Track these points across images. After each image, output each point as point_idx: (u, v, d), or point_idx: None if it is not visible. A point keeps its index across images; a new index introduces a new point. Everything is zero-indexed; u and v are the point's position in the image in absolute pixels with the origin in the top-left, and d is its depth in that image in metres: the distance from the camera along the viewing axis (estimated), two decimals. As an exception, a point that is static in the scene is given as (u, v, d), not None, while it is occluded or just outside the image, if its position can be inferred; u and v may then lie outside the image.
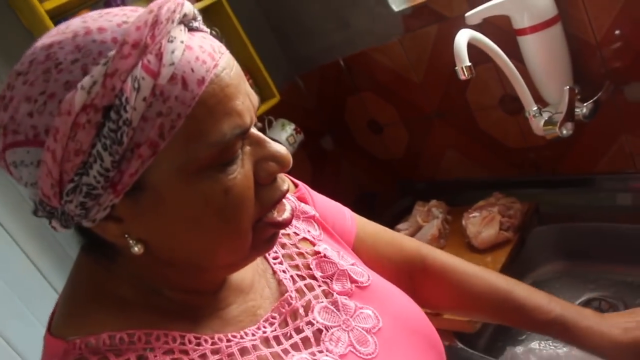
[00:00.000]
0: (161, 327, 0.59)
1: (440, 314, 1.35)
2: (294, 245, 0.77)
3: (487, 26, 1.32)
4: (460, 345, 1.33)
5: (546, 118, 1.33)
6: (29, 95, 0.50)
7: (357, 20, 1.81)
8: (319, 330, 0.67)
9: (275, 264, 0.74)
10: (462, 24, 1.29)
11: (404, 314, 0.77)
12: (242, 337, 0.62)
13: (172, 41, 0.51)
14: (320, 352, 0.65)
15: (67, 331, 0.57)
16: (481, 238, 1.51)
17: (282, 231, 0.76)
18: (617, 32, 1.29)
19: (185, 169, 0.53)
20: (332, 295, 0.72)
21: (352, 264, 0.78)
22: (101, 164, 0.50)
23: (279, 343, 0.64)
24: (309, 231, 0.80)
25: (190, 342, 0.59)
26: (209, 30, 0.59)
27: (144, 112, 0.50)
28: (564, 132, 1.31)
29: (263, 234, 0.61)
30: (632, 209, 1.45)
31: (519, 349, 1.36)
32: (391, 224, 1.85)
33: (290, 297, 0.69)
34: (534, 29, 1.28)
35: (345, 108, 2.10)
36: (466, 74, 1.17)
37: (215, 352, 0.60)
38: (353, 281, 0.76)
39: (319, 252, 0.77)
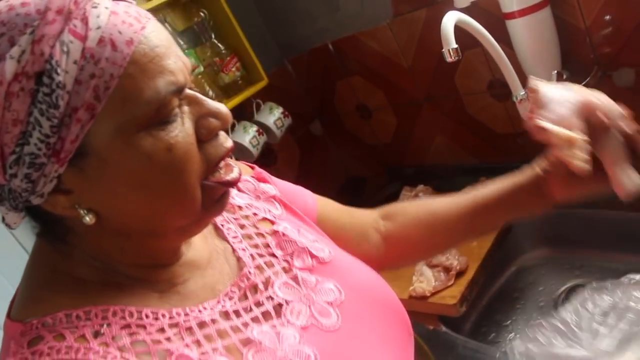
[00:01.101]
0: (118, 304, 0.59)
1: (425, 298, 1.35)
2: (253, 225, 0.77)
3: (475, 10, 1.31)
4: (444, 329, 1.33)
5: (533, 103, 1.33)
6: None
7: (347, 3, 1.80)
8: (279, 305, 0.68)
9: (234, 242, 0.74)
10: (451, 8, 1.28)
11: (367, 286, 0.77)
12: (200, 311, 0.63)
13: (96, 7, 0.52)
14: (282, 324, 0.66)
15: (24, 314, 0.57)
16: (467, 223, 1.51)
17: (241, 212, 0.78)
18: (606, 17, 1.28)
19: (125, 129, 0.53)
20: (293, 271, 0.73)
21: (314, 241, 0.79)
22: (40, 130, 0.50)
23: (238, 316, 0.65)
24: (269, 211, 0.80)
25: (147, 316, 0.59)
26: (133, 1, 0.58)
27: (77, 75, 0.50)
28: (551, 117, 1.30)
29: (213, 194, 0.61)
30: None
31: (504, 334, 1.37)
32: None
33: (250, 272, 0.70)
34: (523, 12, 1.27)
35: (334, 92, 2.09)
36: (452, 56, 1.16)
37: (173, 325, 0.60)
38: (314, 257, 0.76)
39: (277, 232, 0.77)
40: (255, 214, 0.79)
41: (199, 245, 0.70)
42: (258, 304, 0.67)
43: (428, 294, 1.36)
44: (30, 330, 0.55)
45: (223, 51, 1.82)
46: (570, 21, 1.33)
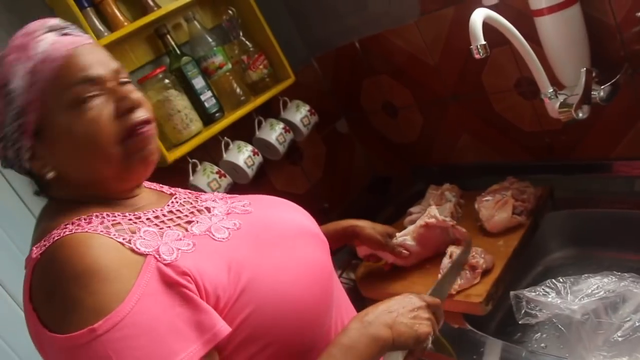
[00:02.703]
0: (98, 212, 0.88)
1: (451, 296, 1.35)
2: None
3: (503, 8, 1.31)
4: (469, 327, 1.33)
5: (562, 100, 1.32)
6: None
7: (374, 2, 1.80)
8: (208, 208, 1.01)
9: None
10: (479, 5, 1.27)
11: (276, 200, 1.14)
12: (154, 211, 0.94)
13: (40, 41, 0.85)
14: (213, 215, 0.98)
15: (55, 224, 0.86)
16: (493, 222, 1.51)
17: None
18: (638, 14, 1.26)
19: (60, 110, 0.85)
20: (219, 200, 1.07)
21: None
22: (9, 117, 0.86)
23: (181, 212, 0.96)
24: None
25: (118, 215, 0.89)
26: (83, 34, 0.91)
27: (25, 84, 0.84)
28: (580, 114, 1.29)
29: (132, 148, 0.89)
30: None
31: (530, 334, 1.36)
32: (404, 207, 1.85)
33: (188, 194, 1.06)
34: (552, 9, 1.26)
35: (360, 91, 2.10)
36: (481, 53, 1.16)
37: (137, 218, 0.90)
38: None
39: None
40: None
41: (149, 194, 1.03)
42: (194, 207, 1.00)
43: (454, 292, 1.36)
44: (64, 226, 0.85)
45: (251, 49, 1.84)
46: (600, 18, 1.32)
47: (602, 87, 1.30)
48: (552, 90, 1.33)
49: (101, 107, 0.86)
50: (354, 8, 1.87)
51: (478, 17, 1.17)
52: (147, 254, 0.81)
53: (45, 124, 0.86)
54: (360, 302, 1.59)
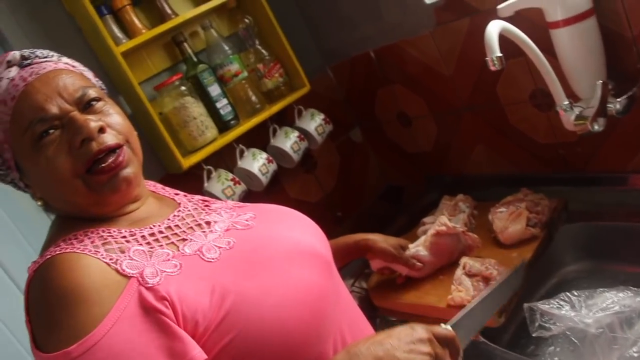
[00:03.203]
0: (93, 228, 0.90)
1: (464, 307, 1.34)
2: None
3: (519, 19, 1.31)
4: (482, 339, 1.32)
5: (578, 113, 1.32)
6: None
7: (390, 12, 1.81)
8: (208, 222, 1.00)
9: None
10: (494, 17, 1.27)
11: (281, 210, 1.11)
12: (151, 227, 0.93)
13: (0, 80, 0.88)
14: (210, 231, 0.97)
15: (41, 253, 0.90)
16: (507, 233, 1.50)
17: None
18: (654, 27, 1.26)
19: (25, 148, 0.87)
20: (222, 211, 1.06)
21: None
22: None
23: (178, 228, 0.96)
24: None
25: (113, 232, 0.90)
26: (48, 58, 0.93)
27: None
28: (596, 127, 1.29)
29: (97, 181, 0.89)
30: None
31: (543, 347, 1.35)
32: (417, 216, 1.85)
33: (188, 208, 1.04)
34: (567, 22, 1.26)
35: (375, 100, 2.10)
36: (496, 65, 1.16)
37: (131, 235, 0.90)
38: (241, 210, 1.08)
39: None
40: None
41: (152, 205, 1.02)
42: (195, 221, 0.99)
43: (466, 303, 1.35)
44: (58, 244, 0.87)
45: (267, 57, 1.85)
46: (617, 30, 1.31)
47: (618, 99, 1.30)
48: (567, 102, 1.33)
49: (56, 144, 0.87)
50: (369, 18, 1.88)
51: (494, 29, 1.17)
52: (131, 276, 0.82)
53: (19, 161, 0.90)
54: (372, 311, 1.59)
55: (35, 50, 0.94)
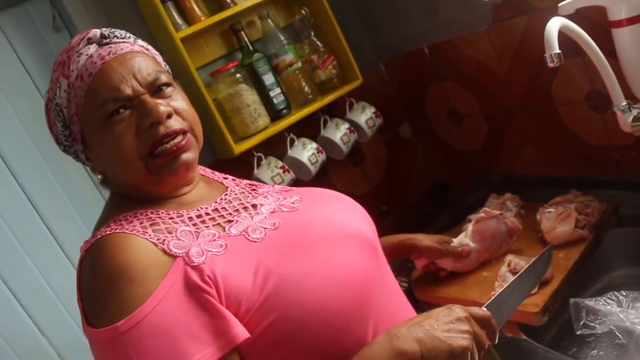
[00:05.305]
0: (143, 209, 0.94)
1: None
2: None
3: (579, 18, 1.29)
4: (524, 337, 1.32)
5: (635, 114, 1.30)
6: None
7: (446, 8, 1.81)
8: (255, 205, 1.01)
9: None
10: (552, 15, 1.26)
11: (329, 194, 1.12)
12: (198, 209, 0.96)
13: (79, 55, 0.92)
14: (257, 213, 0.98)
15: (94, 232, 0.93)
16: (555, 233, 1.49)
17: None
18: None
19: (95, 123, 0.90)
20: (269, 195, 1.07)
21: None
22: (58, 127, 0.95)
23: (225, 210, 0.98)
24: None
25: (161, 213, 0.93)
26: (125, 40, 0.95)
27: (67, 98, 0.92)
28: (653, 130, 1.27)
29: (157, 163, 0.92)
30: None
31: (586, 350, 1.34)
32: (462, 215, 1.84)
33: (235, 192, 1.05)
34: (631, 20, 1.24)
35: (426, 96, 2.10)
36: (554, 62, 1.15)
37: (179, 216, 0.93)
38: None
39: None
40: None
41: (202, 189, 1.04)
42: (241, 204, 1.01)
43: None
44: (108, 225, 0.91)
45: (321, 49, 1.87)
46: (681, 32, 1.29)
47: (679, 102, 1.27)
48: (625, 103, 1.31)
49: (125, 124, 0.90)
50: (425, 13, 1.88)
51: (554, 25, 1.16)
52: (177, 256, 0.85)
53: (86, 135, 0.93)
54: (414, 305, 1.60)
55: (114, 30, 0.96)
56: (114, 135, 0.89)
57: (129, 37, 0.97)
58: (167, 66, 1.04)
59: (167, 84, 0.95)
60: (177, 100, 0.95)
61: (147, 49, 0.99)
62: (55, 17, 1.62)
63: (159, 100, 0.92)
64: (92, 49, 0.92)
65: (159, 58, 1.02)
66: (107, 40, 0.93)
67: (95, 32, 0.94)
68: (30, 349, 1.63)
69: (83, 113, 0.91)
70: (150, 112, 0.90)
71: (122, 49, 0.93)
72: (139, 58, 0.93)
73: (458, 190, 2.21)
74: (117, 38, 0.95)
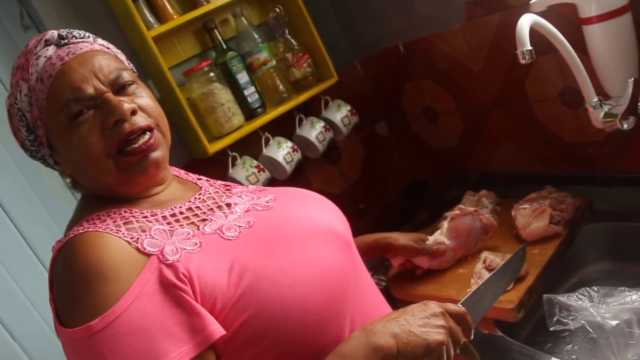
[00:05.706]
0: (116, 208, 0.93)
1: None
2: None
3: (551, 15, 1.30)
4: (500, 333, 1.32)
5: (607, 110, 1.30)
6: None
7: (421, 5, 1.81)
8: (229, 204, 1.01)
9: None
10: (525, 13, 1.27)
11: (302, 192, 1.13)
12: (172, 208, 0.95)
13: (38, 58, 0.90)
14: (231, 213, 0.98)
15: (79, 220, 0.92)
16: (530, 230, 1.49)
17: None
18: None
19: (58, 125, 0.89)
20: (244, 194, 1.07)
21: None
22: (23, 132, 0.94)
23: (199, 209, 0.97)
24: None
25: (135, 212, 0.92)
26: (83, 39, 0.94)
27: (28, 102, 0.91)
28: (625, 125, 1.28)
29: (127, 161, 0.91)
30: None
31: (561, 345, 1.35)
32: (439, 212, 1.84)
33: (209, 191, 1.05)
34: (601, 18, 1.25)
35: (402, 94, 2.10)
36: (526, 58, 1.15)
37: (153, 215, 0.92)
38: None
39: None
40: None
41: (175, 189, 1.04)
42: (215, 203, 1.01)
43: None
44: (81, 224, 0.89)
45: (296, 47, 1.86)
46: (652, 28, 1.30)
47: (649, 98, 1.28)
48: (597, 99, 1.32)
49: (90, 124, 0.89)
50: (400, 11, 1.88)
51: (525, 22, 1.16)
52: (151, 254, 0.84)
53: (52, 139, 0.92)
54: (391, 303, 1.59)
55: (72, 30, 0.95)
56: (80, 136, 0.89)
57: (88, 37, 0.96)
58: (131, 64, 1.03)
59: (131, 82, 0.94)
60: (141, 97, 0.94)
61: (107, 48, 0.98)
62: (23, 14, 1.59)
63: (123, 98, 0.91)
64: (51, 50, 0.91)
65: (122, 56, 1.01)
66: (66, 41, 0.93)
67: (53, 33, 0.93)
68: (2, 354, 1.60)
69: (46, 116, 0.90)
70: (114, 110, 0.89)
71: (81, 49, 0.92)
72: (99, 57, 0.93)
73: (435, 188, 2.22)
74: (76, 38, 0.94)
